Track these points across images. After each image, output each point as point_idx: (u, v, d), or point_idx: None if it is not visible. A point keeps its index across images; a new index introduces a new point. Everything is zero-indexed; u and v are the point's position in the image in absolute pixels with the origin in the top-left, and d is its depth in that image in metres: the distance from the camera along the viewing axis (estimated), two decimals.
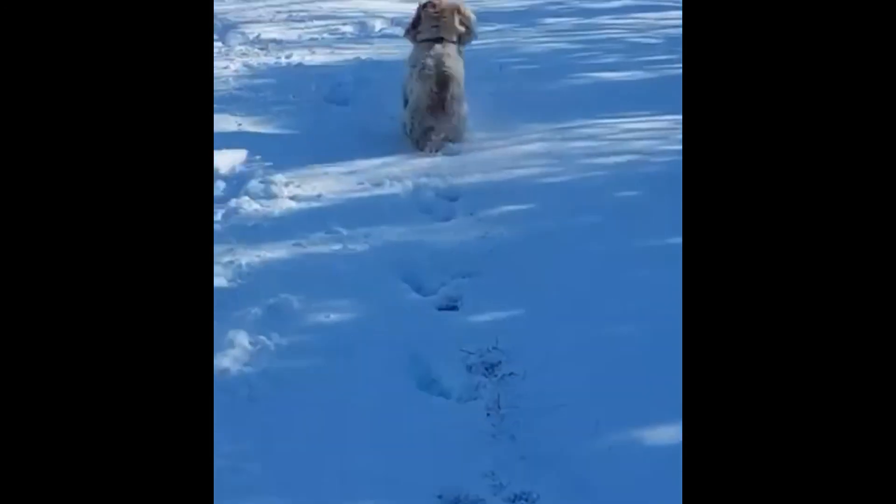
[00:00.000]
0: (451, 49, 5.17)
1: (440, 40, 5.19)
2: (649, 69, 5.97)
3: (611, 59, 6.16)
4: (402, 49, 6.28)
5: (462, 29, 5.27)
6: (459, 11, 5.29)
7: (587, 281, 3.87)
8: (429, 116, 5.01)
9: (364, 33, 6.81)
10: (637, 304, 3.66)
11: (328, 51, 6.42)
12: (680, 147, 4.82)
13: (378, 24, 6.92)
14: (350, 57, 6.27)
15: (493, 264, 4.01)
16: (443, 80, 5.00)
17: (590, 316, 3.64)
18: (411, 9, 7.06)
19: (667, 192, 4.48)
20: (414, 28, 5.34)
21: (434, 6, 5.29)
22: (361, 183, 4.68)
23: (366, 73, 5.98)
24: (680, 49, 6.26)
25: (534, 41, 6.50)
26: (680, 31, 6.60)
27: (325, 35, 6.73)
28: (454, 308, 3.79)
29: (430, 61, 5.06)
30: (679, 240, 3.98)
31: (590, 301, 3.74)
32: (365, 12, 7.19)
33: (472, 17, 5.36)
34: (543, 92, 5.70)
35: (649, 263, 3.94)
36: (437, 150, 5.00)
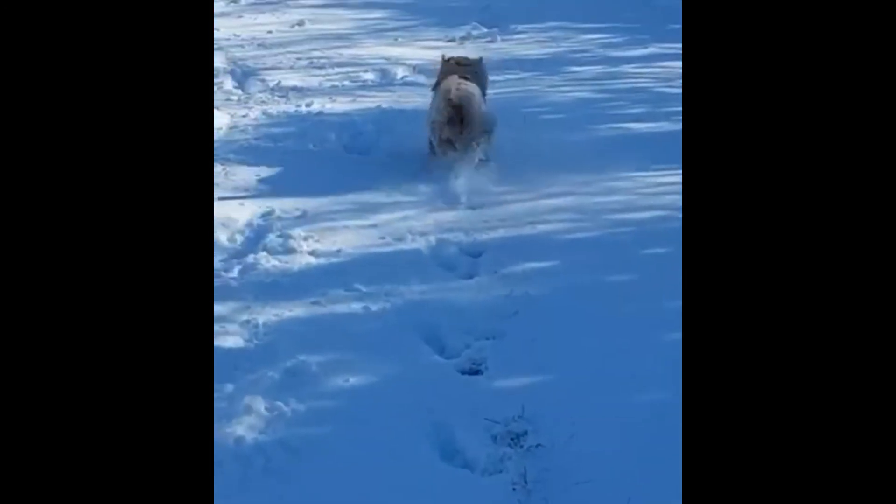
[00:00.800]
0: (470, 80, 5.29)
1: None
2: (676, 120, 5.82)
3: (637, 110, 6.03)
4: (424, 97, 6.18)
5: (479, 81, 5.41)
6: (477, 65, 5.53)
7: (617, 344, 3.73)
8: (445, 129, 5.10)
9: (386, 80, 6.69)
10: (670, 370, 3.50)
11: (349, 98, 6.30)
12: None
13: (400, 72, 6.81)
14: (371, 105, 6.15)
15: (518, 325, 3.87)
16: (460, 97, 5.10)
17: (621, 382, 3.50)
18: (434, 56, 7.02)
19: None
20: (438, 84, 5.47)
21: (459, 61, 5.54)
22: (383, 237, 4.55)
23: (387, 122, 5.86)
24: None
25: (557, 90, 6.38)
26: None
27: (346, 82, 6.62)
28: (478, 372, 3.65)
29: (446, 84, 5.22)
30: None
31: (620, 366, 3.59)
32: (387, 59, 7.08)
33: (486, 76, 5.57)
34: (568, 143, 5.57)
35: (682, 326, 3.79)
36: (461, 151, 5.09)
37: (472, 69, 5.47)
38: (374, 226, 4.66)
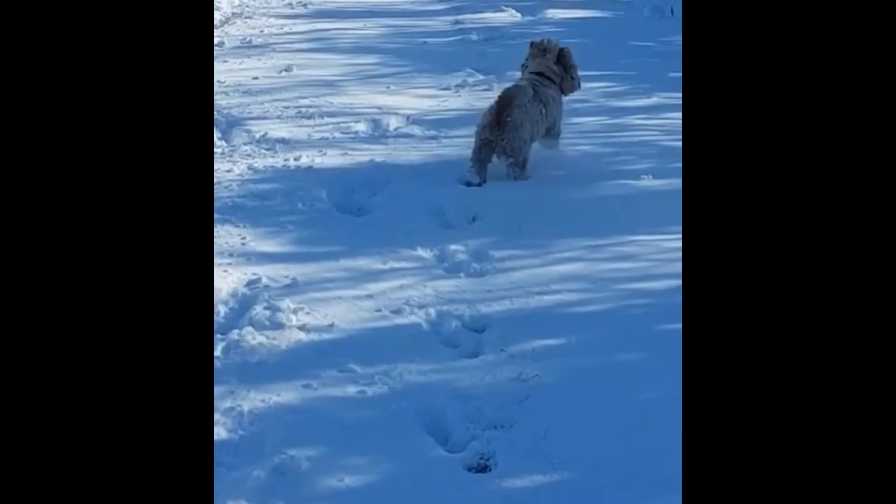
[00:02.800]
0: (532, 86, 5.61)
1: (541, 75, 5.74)
2: None
3: (645, 165, 5.71)
4: (419, 150, 5.91)
5: (562, 71, 5.77)
6: (563, 54, 5.79)
7: (635, 434, 3.39)
8: (486, 130, 5.43)
9: (378, 132, 6.35)
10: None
11: (340, 152, 5.97)
12: None
13: (393, 122, 6.48)
14: (364, 159, 5.82)
15: (529, 413, 3.53)
16: (503, 102, 5.43)
17: (645, 481, 3.17)
18: (428, 105, 6.75)
19: None
20: (524, 67, 5.89)
21: (543, 45, 5.86)
22: (379, 310, 4.21)
23: (381, 178, 5.54)
24: None
25: (560, 143, 6.05)
26: None
27: (337, 134, 6.29)
28: (486, 469, 3.30)
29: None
30: None
31: (643, 459, 3.26)
32: (379, 108, 6.76)
33: (574, 63, 5.81)
34: (574, 202, 5.25)
35: None
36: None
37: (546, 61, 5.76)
38: (369, 296, 4.32)
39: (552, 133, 5.77)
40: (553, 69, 5.76)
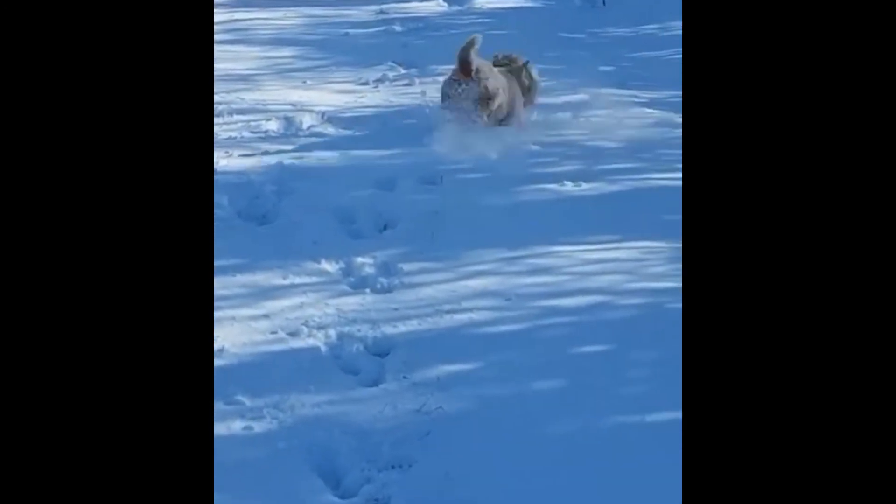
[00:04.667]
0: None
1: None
2: (612, 180, 5.25)
3: (568, 167, 5.41)
4: (332, 151, 5.58)
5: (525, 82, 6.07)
6: (525, 68, 6.10)
7: (549, 475, 3.11)
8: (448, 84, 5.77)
9: (290, 131, 5.98)
10: None
11: (247, 152, 5.61)
12: (648, 285, 4.16)
13: (307, 120, 6.12)
14: (272, 161, 5.46)
15: (429, 451, 3.23)
16: (464, 54, 5.72)
17: None
18: (345, 101, 6.42)
19: (638, 345, 3.78)
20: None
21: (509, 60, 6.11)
22: (274, 331, 3.88)
23: (289, 182, 5.19)
24: (644, 155, 5.60)
25: (480, 143, 5.74)
26: (641, 132, 5.97)
27: (246, 133, 5.92)
28: None
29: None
30: (666, 415, 3.33)
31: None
32: (293, 105, 6.40)
33: (537, 79, 6.15)
34: (492, 208, 4.95)
35: (627, 447, 3.20)
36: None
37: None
38: (265, 316, 3.99)
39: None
40: (523, 83, 6.08)
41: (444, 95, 5.83)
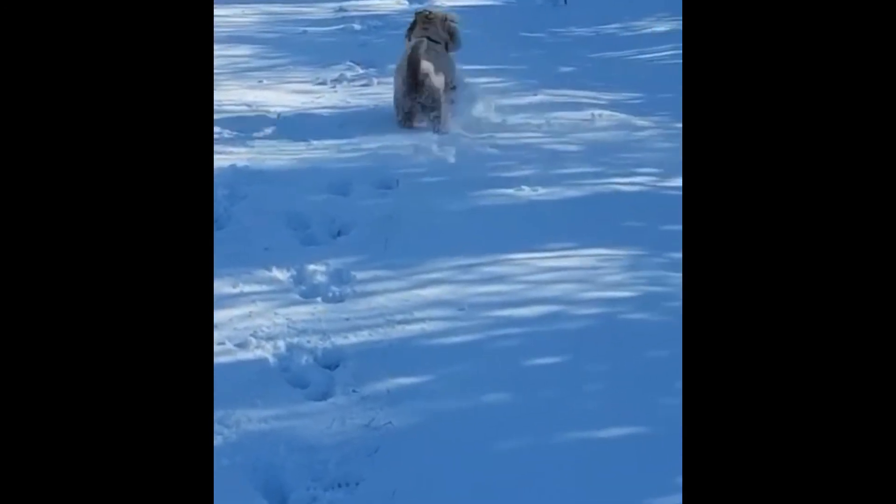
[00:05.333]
0: (428, 44, 5.92)
1: (428, 39, 6.01)
2: (570, 184, 5.19)
3: (526, 171, 5.35)
4: (287, 154, 5.49)
5: (447, 35, 6.18)
6: (446, 19, 6.22)
7: (500, 493, 3.04)
8: (407, 100, 5.78)
9: (245, 132, 5.89)
10: None
11: None
12: (604, 295, 4.10)
13: (262, 122, 6.03)
14: (225, 164, 5.34)
15: (378, 468, 3.16)
16: (413, 64, 5.71)
17: None
18: (301, 102, 6.33)
19: (592, 358, 3.72)
20: (410, 31, 6.21)
21: (428, 14, 6.22)
22: (222, 343, 3.79)
23: (241, 186, 5.09)
24: (602, 159, 5.55)
25: (438, 146, 5.67)
26: (600, 135, 5.93)
27: None
28: None
29: (403, 55, 5.87)
30: (621, 430, 3.27)
31: None
32: (248, 105, 6.31)
33: (457, 25, 6.26)
34: (448, 213, 4.88)
35: (581, 464, 3.14)
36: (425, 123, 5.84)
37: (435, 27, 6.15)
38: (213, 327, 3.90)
39: (449, 87, 6.05)
40: (441, 34, 6.16)
41: (407, 116, 5.90)
